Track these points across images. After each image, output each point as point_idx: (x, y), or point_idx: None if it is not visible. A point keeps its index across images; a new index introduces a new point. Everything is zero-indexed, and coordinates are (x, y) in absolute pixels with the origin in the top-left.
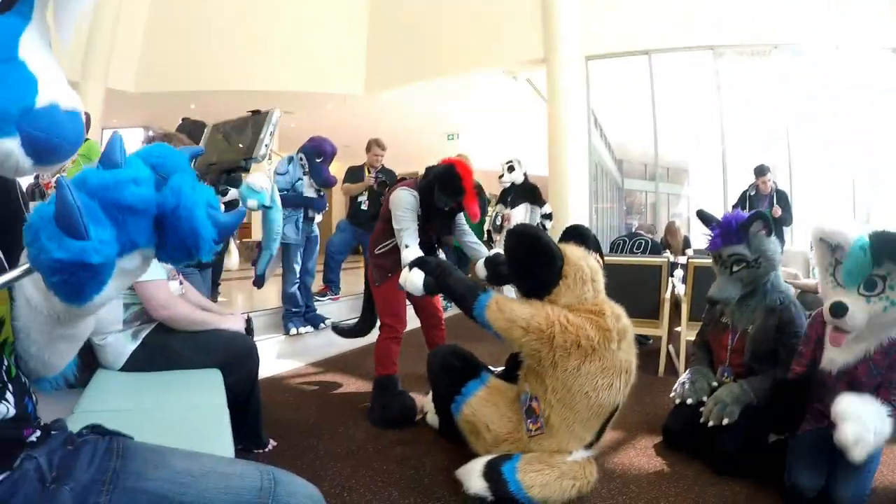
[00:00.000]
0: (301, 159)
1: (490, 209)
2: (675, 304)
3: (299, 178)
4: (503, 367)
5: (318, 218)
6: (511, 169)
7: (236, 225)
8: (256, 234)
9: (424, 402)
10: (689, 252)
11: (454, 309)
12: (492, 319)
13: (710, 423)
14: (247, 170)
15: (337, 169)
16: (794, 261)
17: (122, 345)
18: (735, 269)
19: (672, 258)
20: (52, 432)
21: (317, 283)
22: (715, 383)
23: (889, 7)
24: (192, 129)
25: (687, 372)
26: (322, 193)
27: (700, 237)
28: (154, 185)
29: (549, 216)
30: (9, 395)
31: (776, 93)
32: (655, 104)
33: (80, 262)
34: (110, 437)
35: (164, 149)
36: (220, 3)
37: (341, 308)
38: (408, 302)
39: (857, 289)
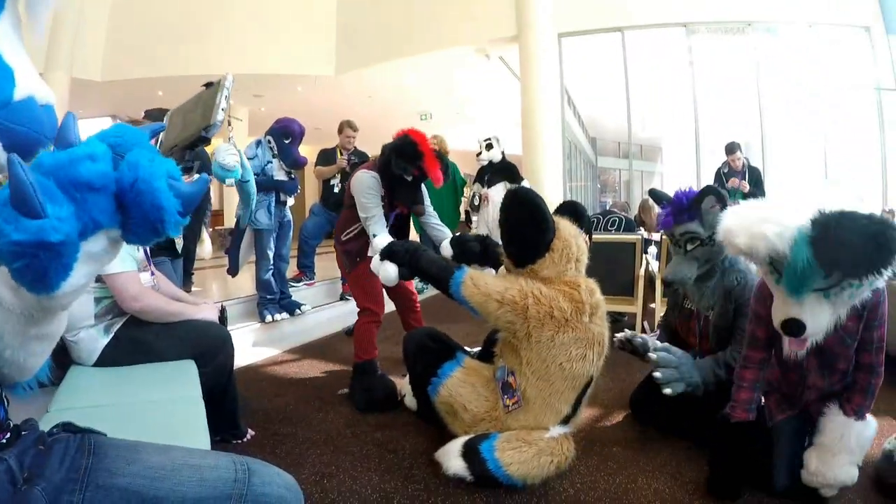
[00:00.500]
0: (269, 142)
1: (466, 189)
2: (650, 280)
3: (269, 161)
4: (479, 348)
5: (291, 202)
6: (489, 146)
7: (200, 194)
8: (229, 221)
9: (402, 384)
10: None
11: (430, 290)
12: (468, 295)
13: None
14: (208, 140)
15: (308, 152)
16: None
17: (94, 340)
18: (689, 247)
19: (646, 235)
20: (23, 433)
21: (291, 269)
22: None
23: None
24: (157, 116)
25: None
26: (293, 176)
27: None
28: (112, 163)
29: None
30: None
31: (749, 70)
32: (629, 82)
33: (39, 241)
34: (82, 434)
35: (122, 128)
36: None
37: (316, 293)
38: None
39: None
